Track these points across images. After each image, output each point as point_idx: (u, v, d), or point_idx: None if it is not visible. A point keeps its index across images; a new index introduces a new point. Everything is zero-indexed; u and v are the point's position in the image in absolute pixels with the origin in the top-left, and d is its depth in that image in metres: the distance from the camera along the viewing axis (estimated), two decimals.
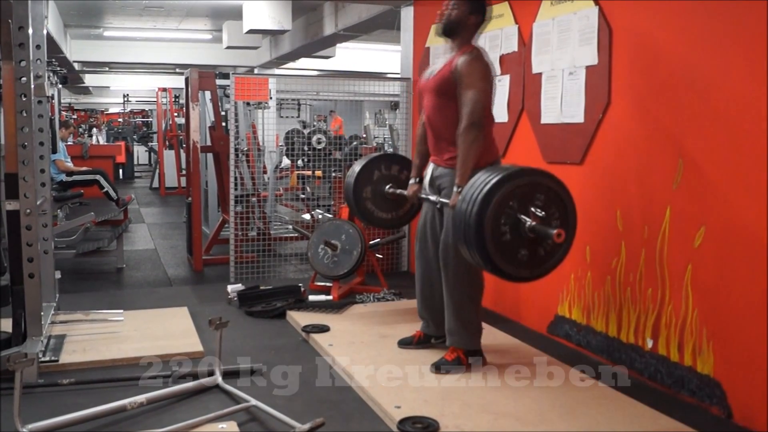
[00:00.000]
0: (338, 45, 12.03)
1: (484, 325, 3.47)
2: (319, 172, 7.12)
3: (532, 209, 2.68)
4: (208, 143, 6.54)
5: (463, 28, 3.30)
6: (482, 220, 2.62)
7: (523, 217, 2.66)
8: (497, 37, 4.41)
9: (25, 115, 3.14)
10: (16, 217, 3.16)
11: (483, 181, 2.73)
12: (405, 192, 3.73)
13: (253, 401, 2.86)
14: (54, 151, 6.25)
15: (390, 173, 3.97)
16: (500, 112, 4.37)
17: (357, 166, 3.95)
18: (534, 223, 2.65)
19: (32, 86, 3.18)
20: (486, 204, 2.63)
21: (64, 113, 14.43)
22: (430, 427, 2.65)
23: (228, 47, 11.31)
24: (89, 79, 19.35)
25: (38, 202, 3.36)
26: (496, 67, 4.41)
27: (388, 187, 3.93)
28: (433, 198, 3.39)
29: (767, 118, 2.67)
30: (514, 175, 2.73)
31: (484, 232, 2.62)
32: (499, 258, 2.66)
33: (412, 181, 3.66)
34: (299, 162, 7.56)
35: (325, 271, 4.78)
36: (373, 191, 3.95)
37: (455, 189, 3.13)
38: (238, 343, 3.75)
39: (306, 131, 7.01)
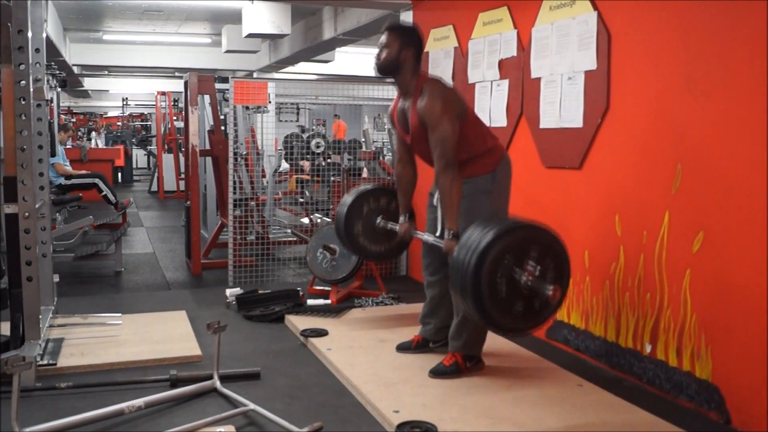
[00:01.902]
0: (337, 49, 12.05)
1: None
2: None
3: (528, 263, 2.68)
4: (207, 147, 6.54)
5: (401, 65, 3.26)
6: (479, 278, 2.62)
7: (518, 274, 2.66)
8: (496, 42, 4.42)
9: (24, 118, 3.14)
10: (14, 221, 3.16)
11: (478, 235, 2.71)
12: (396, 228, 3.70)
13: (252, 405, 2.86)
14: (53, 154, 6.26)
15: (379, 205, 3.92)
16: (499, 117, 4.39)
17: (344, 207, 3.91)
18: (530, 280, 2.66)
19: (31, 89, 3.18)
20: (482, 261, 2.62)
21: (63, 116, 14.45)
22: None
23: (227, 51, 11.31)
24: (88, 83, 19.37)
25: (37, 206, 3.36)
26: (495, 72, 4.42)
27: (378, 220, 3.89)
28: (425, 237, 3.38)
29: (766, 123, 2.67)
30: (509, 231, 2.70)
31: (481, 289, 2.63)
32: (495, 312, 2.67)
33: (401, 219, 3.64)
34: (302, 166, 7.57)
35: (323, 275, 4.78)
36: (364, 225, 3.91)
37: (447, 233, 3.13)
38: (236, 347, 3.74)
39: (305, 135, 7.01)
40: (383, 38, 3.30)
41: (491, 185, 3.26)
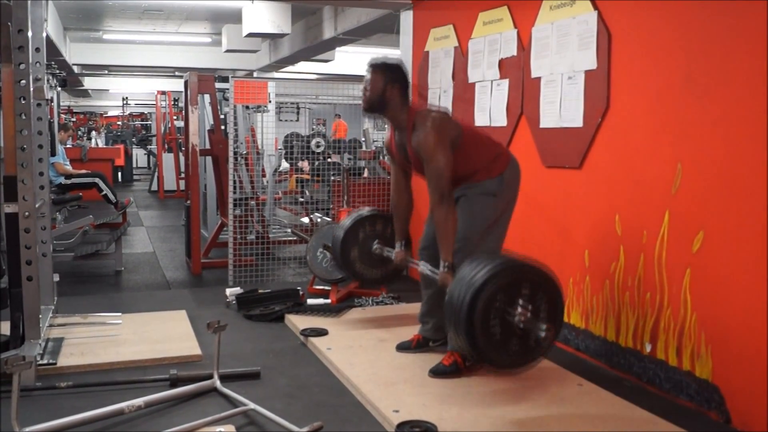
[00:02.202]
0: (337, 49, 12.04)
1: None
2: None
3: (520, 302, 2.68)
4: (207, 146, 6.54)
5: (388, 101, 3.25)
6: (473, 316, 2.63)
7: (510, 315, 2.67)
8: (496, 41, 4.42)
9: (24, 118, 3.14)
10: (14, 220, 3.16)
11: (471, 273, 2.71)
12: (392, 255, 3.70)
13: (251, 405, 2.86)
14: (53, 154, 6.25)
15: (375, 231, 3.94)
16: (499, 117, 4.39)
17: (341, 231, 3.93)
18: (522, 320, 2.66)
19: (31, 89, 3.18)
20: (474, 303, 2.63)
21: (63, 116, 14.44)
22: (429, 431, 2.65)
23: (227, 51, 11.31)
24: (88, 82, 19.36)
25: (37, 205, 3.36)
26: (495, 72, 4.42)
27: (375, 245, 3.90)
28: (421, 267, 3.38)
29: (766, 123, 2.67)
30: (504, 270, 2.69)
31: (475, 329, 2.64)
32: (491, 352, 2.69)
33: (397, 246, 3.65)
34: (302, 167, 7.57)
35: (323, 274, 4.78)
36: (360, 251, 3.93)
37: (442, 266, 3.13)
38: (236, 347, 3.74)
39: (305, 134, 7.01)
40: (367, 76, 3.29)
41: (497, 188, 3.29)
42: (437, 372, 3.26)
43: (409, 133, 3.24)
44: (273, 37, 11.23)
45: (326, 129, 14.33)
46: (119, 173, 14.97)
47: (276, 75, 14.35)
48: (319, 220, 6.82)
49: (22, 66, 3.14)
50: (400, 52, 5.89)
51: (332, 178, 6.38)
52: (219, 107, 6.66)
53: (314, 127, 15.17)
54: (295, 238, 6.67)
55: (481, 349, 2.66)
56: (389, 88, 3.24)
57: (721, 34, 2.88)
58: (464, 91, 4.79)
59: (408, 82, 3.32)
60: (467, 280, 2.69)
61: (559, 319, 2.79)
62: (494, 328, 2.65)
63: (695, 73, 3.00)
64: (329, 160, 7.03)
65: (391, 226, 3.76)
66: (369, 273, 3.98)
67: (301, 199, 8.19)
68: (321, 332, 3.92)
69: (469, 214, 3.26)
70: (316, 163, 7.02)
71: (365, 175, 6.97)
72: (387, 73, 3.26)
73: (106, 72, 17.46)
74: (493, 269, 2.68)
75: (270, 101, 6.26)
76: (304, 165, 7.99)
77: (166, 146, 13.02)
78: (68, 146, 10.64)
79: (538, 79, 4.01)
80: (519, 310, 2.65)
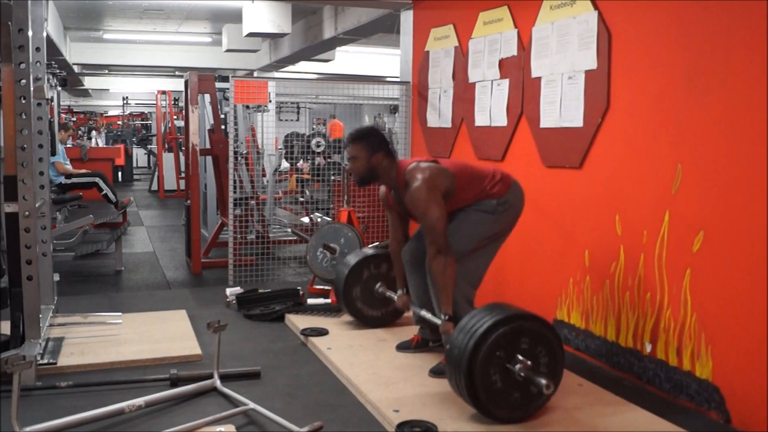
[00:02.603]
0: (338, 48, 12.03)
1: None
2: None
3: (519, 356, 2.70)
4: (208, 146, 6.54)
5: (376, 169, 3.31)
6: (473, 375, 2.65)
7: (511, 367, 2.69)
8: (496, 41, 4.41)
9: (24, 117, 3.14)
10: (14, 220, 3.16)
11: (470, 330, 2.72)
12: (395, 299, 3.74)
13: (252, 404, 2.86)
14: (53, 153, 6.25)
15: (379, 272, 3.99)
16: (499, 117, 4.38)
17: (346, 268, 3.97)
18: (523, 373, 2.68)
19: (31, 89, 3.18)
20: (474, 358, 2.65)
21: (63, 116, 14.45)
22: (429, 431, 2.65)
23: (228, 50, 11.30)
24: (89, 82, 19.35)
25: (37, 205, 3.36)
26: (496, 71, 4.42)
27: (377, 286, 3.96)
28: (422, 313, 3.39)
29: (766, 123, 2.67)
30: (499, 324, 2.70)
31: (476, 385, 2.66)
32: (493, 406, 2.70)
33: (399, 292, 3.68)
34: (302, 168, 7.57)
35: (323, 274, 4.78)
36: (362, 290, 3.98)
37: (442, 318, 3.14)
38: (236, 347, 3.75)
39: (305, 134, 7.02)
40: (350, 151, 3.35)
41: (496, 208, 3.30)
42: (437, 372, 3.26)
43: (402, 190, 3.29)
44: (273, 37, 11.21)
45: (326, 129, 14.32)
46: (119, 173, 14.97)
47: (276, 75, 14.34)
48: (319, 219, 6.82)
49: (23, 65, 3.14)
50: (401, 51, 5.89)
51: (332, 178, 6.38)
52: (219, 107, 6.66)
53: (314, 126, 15.18)
54: (295, 238, 6.67)
55: (483, 404, 2.69)
56: (374, 156, 3.30)
57: (721, 34, 2.88)
58: (464, 91, 4.79)
59: (388, 143, 3.38)
60: (468, 331, 2.72)
61: (559, 374, 2.83)
62: (495, 383, 2.68)
63: (695, 73, 3.00)
64: (329, 159, 7.04)
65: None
66: (369, 313, 4.03)
67: (301, 199, 8.20)
68: (321, 332, 3.92)
69: (464, 227, 3.28)
70: (317, 161, 7.03)
71: None
72: (366, 142, 3.32)
73: (107, 71, 17.45)
74: (497, 318, 2.71)
75: (270, 101, 6.26)
76: (304, 167, 8.00)
77: (167, 146, 13.02)
78: (68, 146, 10.64)
79: (539, 79, 4.01)
80: (518, 362, 2.69)
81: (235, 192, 5.49)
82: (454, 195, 3.25)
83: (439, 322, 3.18)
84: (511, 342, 2.70)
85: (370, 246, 4.31)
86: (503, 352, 2.68)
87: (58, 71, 6.37)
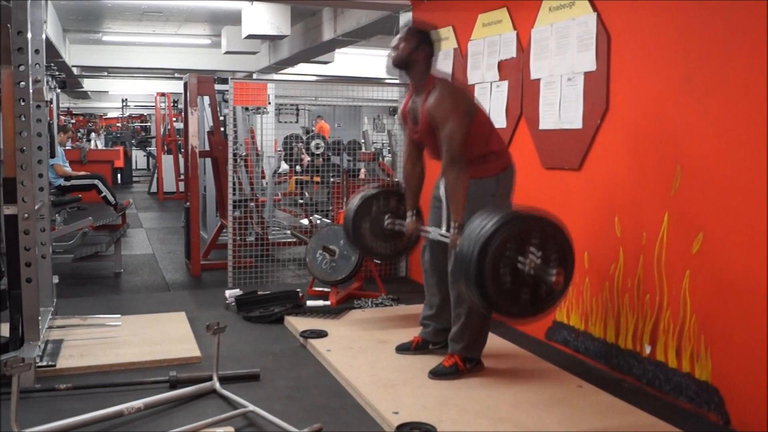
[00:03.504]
0: (337, 50, 12.03)
1: None
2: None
3: (530, 251, 2.70)
4: (207, 148, 6.54)
5: (413, 63, 3.33)
6: (482, 268, 2.65)
7: (521, 262, 2.68)
8: (496, 43, 4.42)
9: (23, 119, 3.14)
10: (14, 222, 3.16)
11: (479, 226, 2.74)
12: (404, 226, 3.72)
13: (251, 407, 2.86)
14: (52, 155, 6.26)
15: (388, 206, 3.96)
16: (498, 118, 4.38)
17: (354, 202, 3.95)
18: (532, 268, 2.68)
19: (31, 91, 3.18)
20: (484, 253, 2.65)
21: (62, 118, 14.45)
22: None
23: (227, 52, 11.31)
24: (88, 84, 19.36)
25: (36, 207, 3.35)
26: (495, 73, 4.42)
27: (386, 221, 3.93)
28: (432, 234, 3.40)
29: (766, 124, 2.67)
30: (509, 222, 2.71)
31: (485, 280, 2.65)
32: (502, 302, 2.70)
33: (409, 215, 3.66)
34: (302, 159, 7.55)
35: (323, 276, 4.78)
36: (371, 225, 3.95)
37: (453, 226, 3.16)
38: (235, 349, 3.74)
39: (305, 137, 7.02)
40: (400, 34, 3.38)
41: (496, 188, 3.30)
42: (437, 373, 3.26)
43: (425, 96, 3.31)
44: (272, 39, 11.23)
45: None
46: (119, 175, 14.98)
47: (275, 76, 14.34)
48: (318, 221, 6.83)
49: (22, 68, 3.14)
50: None
51: (332, 179, 6.38)
52: (218, 109, 6.66)
53: (313, 128, 15.17)
54: (294, 240, 6.67)
55: (492, 300, 2.68)
56: (418, 50, 3.33)
57: (720, 36, 2.88)
58: None
59: (436, 51, 3.40)
60: (478, 229, 2.72)
61: (570, 268, 2.81)
62: (504, 277, 2.67)
63: (694, 74, 3.01)
64: (328, 161, 7.04)
65: (404, 204, 3.81)
66: (379, 247, 3.99)
67: (301, 201, 8.20)
68: (320, 334, 3.91)
69: (469, 215, 3.26)
70: (313, 162, 7.03)
71: (362, 176, 6.96)
72: (419, 36, 3.35)
73: (106, 74, 17.45)
74: (503, 218, 2.71)
75: (269, 103, 6.26)
76: (304, 159, 7.99)
77: (166, 148, 13.02)
78: (68, 148, 10.64)
79: (538, 80, 4.01)
80: (529, 257, 2.68)
81: (234, 194, 5.49)
82: (470, 122, 3.26)
83: (448, 238, 3.20)
84: (521, 238, 2.69)
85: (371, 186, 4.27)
86: (513, 246, 2.68)
87: (57, 73, 6.38)
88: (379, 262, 5.64)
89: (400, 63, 3.37)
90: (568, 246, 2.80)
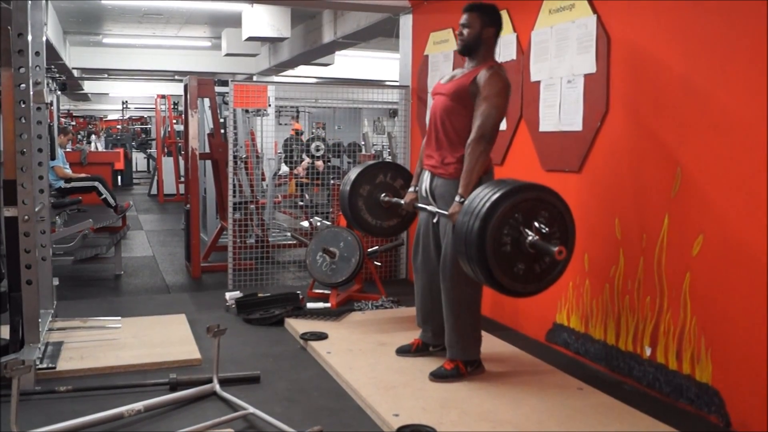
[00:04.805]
0: (337, 52, 12.04)
1: (482, 333, 3.46)
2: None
3: (536, 224, 2.71)
4: (207, 150, 6.54)
5: (481, 44, 3.32)
6: (486, 227, 2.65)
7: (525, 230, 2.69)
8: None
9: (23, 121, 3.14)
10: (14, 224, 3.16)
11: (488, 192, 2.76)
12: (401, 200, 3.74)
13: (251, 409, 2.85)
14: (53, 157, 6.27)
15: (385, 181, 3.98)
16: None
17: (352, 175, 3.96)
18: (536, 238, 2.68)
19: (31, 93, 3.18)
20: (492, 212, 2.66)
21: (62, 120, 14.44)
22: None
23: (227, 54, 11.31)
24: (88, 86, 19.37)
25: (36, 209, 3.36)
26: None
27: (383, 195, 3.94)
28: (430, 207, 3.40)
29: (766, 126, 2.67)
30: (523, 189, 2.76)
31: (486, 240, 2.64)
32: (496, 268, 2.68)
33: (411, 189, 3.66)
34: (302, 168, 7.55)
35: (323, 278, 4.78)
36: (367, 200, 3.96)
37: (457, 199, 3.15)
38: (236, 351, 3.74)
39: (304, 139, 7.02)
40: (465, 18, 3.36)
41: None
42: (438, 375, 3.25)
43: (474, 70, 3.28)
44: (273, 41, 11.24)
45: (325, 132, 14.32)
46: (119, 177, 14.98)
47: (275, 79, 14.35)
48: (318, 223, 6.83)
49: (22, 70, 3.14)
50: (400, 55, 5.90)
51: (332, 182, 6.38)
52: (219, 111, 6.66)
53: (314, 131, 15.17)
54: (294, 242, 6.67)
55: (488, 263, 2.68)
56: (486, 30, 3.32)
57: (720, 38, 2.88)
58: None
59: (501, 26, 3.38)
60: (485, 194, 2.74)
61: (570, 247, 2.84)
62: (505, 244, 2.68)
63: (694, 76, 3.01)
64: (329, 163, 7.04)
65: (401, 179, 3.83)
66: (375, 223, 3.99)
67: (301, 203, 8.20)
68: (321, 336, 3.91)
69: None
70: (312, 163, 7.04)
71: None
72: (484, 15, 3.33)
73: (106, 76, 17.47)
74: (515, 185, 2.74)
75: (269, 105, 6.25)
76: (303, 165, 8.00)
77: (166, 150, 13.03)
78: (68, 150, 10.66)
79: (538, 82, 4.01)
80: (534, 229, 2.70)
81: (234, 196, 5.49)
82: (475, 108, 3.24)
83: (446, 212, 3.20)
84: (531, 209, 2.72)
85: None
86: (521, 216, 2.70)
87: (57, 75, 6.39)
88: (379, 264, 5.64)
89: (469, 46, 3.32)
90: (572, 228, 2.83)
